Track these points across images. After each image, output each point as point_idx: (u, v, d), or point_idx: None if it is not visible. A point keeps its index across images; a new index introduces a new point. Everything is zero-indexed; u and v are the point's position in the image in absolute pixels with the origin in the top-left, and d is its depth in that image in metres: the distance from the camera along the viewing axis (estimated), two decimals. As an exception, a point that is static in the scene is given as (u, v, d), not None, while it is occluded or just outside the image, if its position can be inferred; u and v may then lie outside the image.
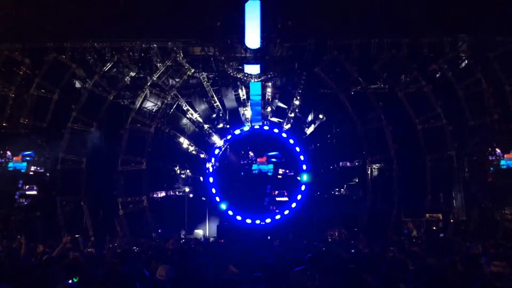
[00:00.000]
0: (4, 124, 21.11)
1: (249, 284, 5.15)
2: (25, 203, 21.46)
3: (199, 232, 22.33)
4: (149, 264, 7.39)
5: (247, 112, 23.43)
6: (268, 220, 22.10)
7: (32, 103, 21.14)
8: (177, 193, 22.63)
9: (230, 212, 22.09)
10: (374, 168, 21.34)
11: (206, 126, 23.24)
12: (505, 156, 20.99)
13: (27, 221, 20.47)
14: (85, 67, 22.03)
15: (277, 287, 5.31)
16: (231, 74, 22.11)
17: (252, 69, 21.23)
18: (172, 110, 23.08)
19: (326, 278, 5.43)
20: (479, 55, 20.92)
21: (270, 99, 23.27)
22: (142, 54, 22.03)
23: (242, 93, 22.92)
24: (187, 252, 10.13)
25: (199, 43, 22.08)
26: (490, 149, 21.13)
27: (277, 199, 22.87)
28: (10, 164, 21.82)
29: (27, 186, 21.63)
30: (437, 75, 22.07)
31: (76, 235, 17.94)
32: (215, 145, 23.27)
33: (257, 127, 23.13)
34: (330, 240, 19.86)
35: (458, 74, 21.03)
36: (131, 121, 21.34)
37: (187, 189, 22.99)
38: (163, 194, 22.39)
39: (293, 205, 22.25)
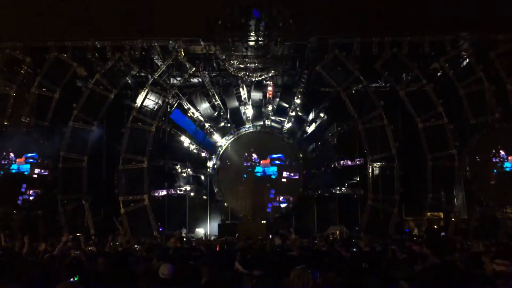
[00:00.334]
0: (5, 123, 21.10)
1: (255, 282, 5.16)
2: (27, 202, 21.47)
3: (200, 231, 22.34)
4: (151, 263, 7.39)
5: (248, 111, 23.42)
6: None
7: (33, 101, 21.14)
8: (178, 191, 22.61)
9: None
10: (375, 167, 21.32)
11: (207, 125, 23.23)
12: (509, 158, 20.94)
13: (29, 220, 20.48)
14: (86, 65, 22.03)
15: (278, 285, 5.31)
16: (232, 72, 22.13)
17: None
18: (173, 109, 23.08)
19: (327, 276, 5.42)
20: (481, 53, 20.89)
21: (271, 98, 23.25)
22: (143, 53, 22.01)
23: (243, 92, 22.88)
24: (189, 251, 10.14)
25: (200, 41, 22.05)
26: (494, 150, 21.08)
27: (282, 206, 22.67)
28: (14, 166, 21.75)
29: (31, 191, 21.59)
30: (438, 74, 22.04)
31: (78, 234, 17.94)
32: (216, 144, 23.27)
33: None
34: (331, 238, 19.83)
35: (459, 73, 21.01)
36: (132, 119, 21.32)
37: (188, 188, 22.96)
38: (164, 192, 22.37)
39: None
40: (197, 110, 23.13)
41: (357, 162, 22.13)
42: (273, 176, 22.99)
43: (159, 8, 21.23)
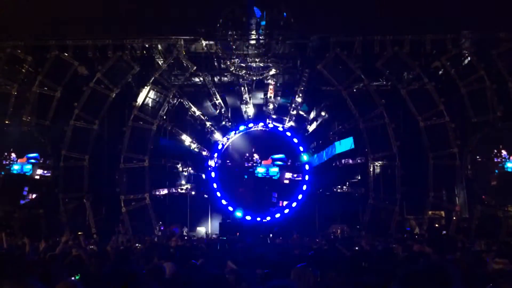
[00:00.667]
0: (6, 122, 21.12)
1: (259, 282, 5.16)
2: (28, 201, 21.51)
3: (201, 230, 22.35)
4: (151, 261, 7.39)
5: (250, 110, 23.41)
6: (269, 218, 22.13)
7: (35, 100, 21.15)
8: (179, 190, 22.62)
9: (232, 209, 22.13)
10: (377, 165, 21.30)
11: (208, 123, 23.23)
12: (511, 157, 20.90)
13: (30, 219, 20.51)
14: (87, 64, 22.04)
15: (279, 284, 5.31)
16: (234, 71, 22.10)
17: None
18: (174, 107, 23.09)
19: (328, 275, 5.43)
20: (482, 52, 20.84)
21: (272, 97, 23.22)
22: (144, 52, 22.01)
23: (244, 90, 22.87)
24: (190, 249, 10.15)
25: (201, 40, 22.04)
26: (495, 150, 21.04)
27: (285, 211, 22.63)
28: (16, 166, 21.73)
29: (33, 195, 21.59)
30: (440, 72, 22.00)
31: (79, 232, 17.97)
32: (217, 143, 23.27)
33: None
34: (332, 237, 19.85)
35: (461, 71, 20.97)
36: (134, 118, 21.32)
37: (189, 187, 22.97)
38: (165, 191, 22.38)
39: (295, 204, 22.27)
40: (198, 109, 23.12)
41: (358, 161, 22.11)
42: (274, 177, 22.95)
43: (160, 7, 21.22)
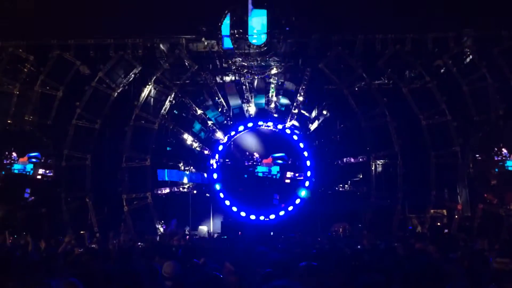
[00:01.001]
0: (9, 122, 21.17)
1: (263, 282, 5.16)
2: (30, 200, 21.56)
3: (203, 229, 22.38)
4: (153, 260, 7.40)
5: (251, 109, 23.41)
6: (272, 216, 22.13)
7: (37, 100, 21.19)
8: (181, 189, 22.65)
9: (235, 208, 22.15)
10: (379, 164, 21.29)
11: (210, 122, 23.24)
12: (511, 156, 20.86)
13: (33, 218, 20.56)
14: (89, 64, 22.07)
15: (281, 283, 5.31)
16: (235, 70, 22.08)
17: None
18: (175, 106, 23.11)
19: (331, 273, 5.43)
20: (484, 50, 20.79)
21: (274, 95, 23.21)
22: (146, 51, 22.02)
23: (245, 89, 22.86)
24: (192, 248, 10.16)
25: (202, 39, 22.05)
26: (496, 148, 21.00)
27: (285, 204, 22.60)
28: (16, 166, 21.76)
29: (35, 195, 21.61)
30: (442, 71, 21.96)
31: (81, 232, 18.03)
32: (219, 142, 23.27)
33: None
34: (334, 236, 19.86)
35: (463, 70, 20.93)
36: (135, 117, 21.35)
37: (191, 186, 23.00)
38: (167, 190, 22.41)
39: (297, 201, 22.26)
40: (199, 108, 23.13)
41: (360, 160, 22.10)
42: (274, 177, 22.94)
43: (161, 6, 21.20)
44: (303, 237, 17.70)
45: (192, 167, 23.50)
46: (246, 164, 23.18)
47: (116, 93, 21.46)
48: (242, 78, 22.65)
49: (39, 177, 21.80)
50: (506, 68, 20.37)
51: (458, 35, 21.22)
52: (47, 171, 21.91)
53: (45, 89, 21.23)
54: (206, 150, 23.27)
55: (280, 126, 22.94)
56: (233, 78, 23.53)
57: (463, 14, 20.28)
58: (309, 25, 21.46)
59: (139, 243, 15.27)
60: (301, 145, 22.86)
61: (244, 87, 22.79)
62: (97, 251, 10.10)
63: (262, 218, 22.01)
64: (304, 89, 22.48)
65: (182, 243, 13.69)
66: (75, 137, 21.04)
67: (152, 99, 21.89)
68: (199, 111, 23.04)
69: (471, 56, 21.00)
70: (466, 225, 20.26)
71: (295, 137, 22.91)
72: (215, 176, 22.66)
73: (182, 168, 23.25)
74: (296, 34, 21.45)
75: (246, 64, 21.87)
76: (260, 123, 23.10)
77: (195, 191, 23.11)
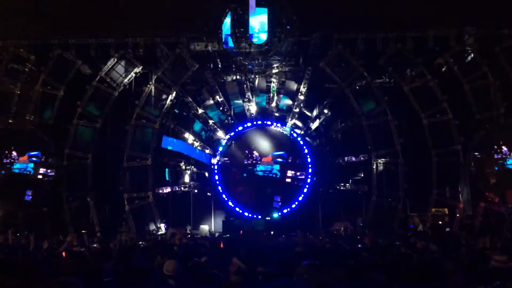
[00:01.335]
0: (10, 121, 21.18)
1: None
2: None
3: (204, 228, 22.38)
4: (155, 259, 7.41)
5: (252, 108, 23.39)
6: (274, 216, 22.16)
7: (38, 99, 21.21)
8: (182, 188, 22.65)
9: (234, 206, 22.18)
10: (380, 163, 21.27)
11: (211, 121, 23.23)
12: (511, 154, 20.83)
13: (35, 217, 20.58)
14: (90, 63, 22.08)
15: (282, 282, 5.31)
16: (236, 69, 22.06)
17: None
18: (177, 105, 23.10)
19: (332, 272, 5.41)
20: (486, 48, 20.76)
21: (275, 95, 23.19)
22: (147, 50, 22.01)
23: (246, 88, 22.83)
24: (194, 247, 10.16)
25: (203, 38, 22.03)
26: (496, 146, 20.97)
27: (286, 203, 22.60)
28: (16, 166, 21.76)
29: (36, 194, 21.59)
30: (443, 69, 21.92)
31: (82, 231, 18.04)
32: (220, 141, 23.27)
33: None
34: (336, 234, 19.84)
35: (464, 68, 20.89)
36: (136, 117, 21.35)
37: (192, 185, 22.99)
38: (168, 189, 22.41)
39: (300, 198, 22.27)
40: (200, 106, 23.13)
41: (361, 158, 22.07)
42: (273, 175, 22.93)
43: (161, 4, 21.20)
44: (304, 236, 17.69)
45: (193, 166, 23.49)
46: (245, 162, 23.18)
47: (117, 93, 21.46)
48: (243, 77, 22.63)
49: (40, 176, 21.81)
50: (507, 66, 20.33)
51: (459, 33, 21.18)
52: (48, 170, 21.92)
53: (46, 88, 21.24)
54: (207, 149, 23.27)
55: (280, 125, 22.97)
56: (234, 77, 23.50)
57: (464, 13, 20.23)
58: (310, 24, 21.42)
59: (141, 242, 15.26)
60: (302, 143, 22.85)
61: (245, 86, 22.76)
62: (98, 250, 10.11)
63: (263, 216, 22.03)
64: (305, 88, 22.46)
65: (183, 242, 13.68)
66: (76, 137, 21.06)
67: (153, 98, 21.87)
68: (200, 110, 23.03)
69: (472, 55, 20.96)
70: (468, 224, 20.22)
71: (295, 136, 22.91)
72: (216, 175, 22.70)
73: (184, 167, 23.23)
74: (297, 33, 21.41)
75: (247, 63, 21.84)
76: (261, 122, 23.13)
77: (196, 191, 23.10)
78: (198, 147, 23.13)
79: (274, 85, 22.82)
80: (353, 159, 22.25)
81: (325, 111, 23.24)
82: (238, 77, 23.16)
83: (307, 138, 23.54)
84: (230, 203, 22.33)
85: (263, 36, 20.73)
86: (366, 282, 4.62)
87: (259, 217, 21.99)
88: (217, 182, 22.70)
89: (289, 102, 23.45)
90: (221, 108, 23.34)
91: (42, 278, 4.90)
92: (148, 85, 21.68)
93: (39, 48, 21.74)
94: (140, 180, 21.28)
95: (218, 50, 22.00)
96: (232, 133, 23.12)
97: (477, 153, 21.06)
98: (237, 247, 9.94)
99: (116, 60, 21.43)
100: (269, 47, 21.15)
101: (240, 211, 22.20)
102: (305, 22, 21.04)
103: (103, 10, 20.78)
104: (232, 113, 23.48)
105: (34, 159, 21.80)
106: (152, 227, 21.04)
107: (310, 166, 22.66)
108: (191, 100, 22.82)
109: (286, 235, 18.29)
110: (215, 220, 23.25)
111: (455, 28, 21.21)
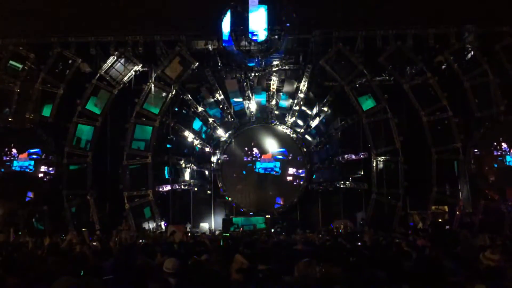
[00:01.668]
0: (9, 119, 21.16)
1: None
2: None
3: (204, 226, 22.40)
4: (155, 257, 7.41)
5: (252, 106, 23.39)
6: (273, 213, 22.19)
7: (38, 97, 21.18)
8: (182, 187, 22.65)
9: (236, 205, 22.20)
10: (380, 161, 21.25)
11: (210, 119, 23.21)
12: (511, 151, 20.82)
13: (35, 216, 20.58)
14: (90, 61, 22.05)
15: (283, 279, 5.32)
16: (236, 67, 22.03)
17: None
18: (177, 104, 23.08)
19: (331, 270, 5.42)
20: (485, 46, 20.73)
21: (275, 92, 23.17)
22: (146, 48, 21.98)
23: (246, 86, 22.81)
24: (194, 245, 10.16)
25: (203, 36, 21.99)
26: (495, 143, 20.96)
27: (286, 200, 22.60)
28: (16, 163, 21.73)
29: (36, 192, 21.59)
30: (443, 67, 21.90)
31: (83, 229, 18.03)
32: (220, 139, 23.28)
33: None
34: (335, 232, 19.85)
35: (464, 66, 20.88)
36: (136, 115, 21.32)
37: (192, 183, 22.99)
38: (168, 187, 22.41)
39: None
40: (200, 105, 23.11)
41: (361, 156, 22.06)
42: (273, 173, 22.94)
43: (161, 3, 21.23)
44: (305, 234, 17.71)
45: (193, 165, 23.50)
46: (245, 159, 23.18)
47: (116, 91, 21.43)
48: (242, 75, 22.60)
49: (40, 174, 21.79)
50: (507, 64, 20.32)
51: (459, 31, 21.15)
52: (49, 168, 21.90)
53: (46, 86, 21.21)
54: (207, 147, 23.27)
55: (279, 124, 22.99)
56: (234, 75, 23.48)
57: (464, 10, 20.22)
58: (310, 22, 21.40)
59: (141, 240, 15.26)
60: (302, 141, 22.87)
61: (245, 84, 22.75)
62: (99, 249, 10.11)
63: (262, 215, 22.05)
64: (305, 86, 22.44)
65: (184, 240, 13.68)
66: (76, 136, 21.06)
67: (152, 96, 21.82)
68: (200, 108, 23.02)
69: (472, 52, 20.94)
70: (468, 221, 20.23)
71: (296, 134, 22.93)
72: (216, 173, 22.71)
73: (184, 165, 23.22)
74: (297, 31, 21.38)
75: (246, 61, 21.81)
76: (261, 119, 23.13)
77: (196, 189, 23.11)
78: (198, 145, 23.14)
79: (274, 83, 22.80)
80: (353, 157, 22.25)
81: (325, 108, 23.24)
82: (237, 75, 23.13)
83: (307, 136, 23.55)
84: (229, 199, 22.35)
85: (263, 34, 20.72)
86: (366, 280, 4.62)
87: (260, 215, 22.02)
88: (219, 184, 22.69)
89: (289, 100, 23.44)
90: (220, 106, 23.33)
91: (42, 277, 4.90)
92: (148, 83, 21.63)
93: (38, 47, 21.70)
94: (140, 178, 21.25)
95: (218, 48, 21.97)
96: (234, 131, 23.12)
97: (477, 151, 21.06)
98: (238, 245, 9.95)
99: (115, 58, 21.38)
100: (268, 45, 21.14)
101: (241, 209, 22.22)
102: (305, 20, 21.02)
103: (102, 9, 20.77)
104: (232, 111, 23.47)
105: (34, 156, 21.78)
106: (152, 225, 21.03)
107: (310, 164, 22.67)
108: (191, 98, 22.80)
109: (286, 233, 18.34)
110: (215, 218, 23.27)
111: (455, 26, 21.19)
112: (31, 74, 21.49)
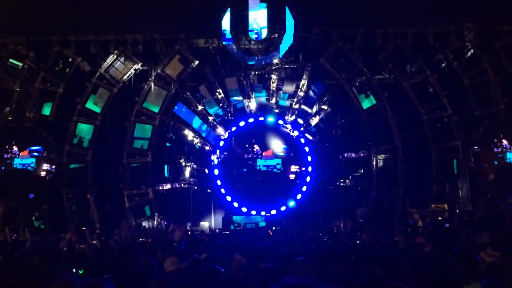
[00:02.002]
0: (9, 118, 21.15)
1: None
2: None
3: (204, 224, 22.41)
4: (155, 256, 7.42)
5: (252, 104, 23.38)
6: (273, 212, 22.18)
7: (37, 96, 21.18)
8: (182, 185, 22.66)
9: (236, 204, 22.19)
10: (380, 159, 21.27)
11: (210, 118, 23.21)
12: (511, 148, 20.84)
13: (34, 214, 20.61)
14: (90, 60, 22.04)
15: (278, 277, 5.32)
16: (236, 65, 22.01)
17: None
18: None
19: (327, 268, 5.42)
20: (486, 44, 20.72)
21: (275, 91, 23.16)
22: (146, 47, 21.97)
23: (246, 85, 22.82)
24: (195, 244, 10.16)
25: (203, 34, 21.97)
26: (496, 140, 20.97)
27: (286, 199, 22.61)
28: (17, 161, 21.70)
29: (36, 191, 21.58)
30: (443, 65, 21.89)
31: (83, 228, 18.05)
32: (220, 137, 23.26)
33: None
34: (335, 231, 19.86)
35: (464, 64, 20.88)
36: (136, 113, 21.33)
37: (192, 181, 23.00)
38: (168, 186, 22.43)
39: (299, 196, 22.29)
40: (200, 103, 23.11)
41: (361, 154, 22.08)
42: (276, 170, 22.95)
43: (161, 1, 21.19)
44: (304, 232, 17.73)
45: (193, 163, 23.51)
46: (246, 157, 23.19)
47: (116, 89, 21.43)
48: (242, 74, 22.59)
49: (43, 173, 21.81)
50: (507, 62, 20.31)
51: (459, 29, 21.14)
52: (50, 166, 21.91)
53: (45, 85, 21.21)
54: (207, 145, 23.27)
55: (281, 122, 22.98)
56: (234, 73, 23.45)
57: (464, 9, 20.19)
58: (309, 20, 21.37)
59: (141, 239, 15.28)
60: (302, 140, 22.87)
61: (244, 82, 22.74)
62: (98, 247, 10.13)
63: (263, 213, 22.05)
64: (305, 84, 22.44)
65: (183, 238, 13.70)
66: (75, 134, 21.06)
67: (152, 95, 21.83)
68: (200, 107, 23.01)
69: (472, 50, 20.93)
70: (468, 220, 20.25)
71: (296, 132, 22.92)
72: (216, 172, 22.70)
73: (183, 163, 23.24)
74: (297, 29, 21.36)
75: (246, 60, 21.79)
76: (261, 118, 23.12)
77: (196, 187, 23.12)
78: (198, 144, 23.14)
79: (273, 81, 22.79)
80: (353, 155, 22.27)
81: (325, 107, 23.24)
82: (237, 73, 23.12)
83: (307, 135, 23.55)
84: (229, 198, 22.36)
85: (263, 33, 20.70)
86: (365, 278, 4.63)
87: (260, 213, 22.04)
88: (218, 182, 22.70)
89: (288, 98, 23.42)
90: (220, 105, 23.32)
91: (42, 276, 4.91)
92: (148, 82, 21.63)
93: (38, 45, 21.69)
94: (140, 177, 21.28)
95: (218, 47, 21.96)
96: (233, 129, 23.12)
97: (477, 149, 21.07)
98: (238, 243, 9.97)
99: (115, 56, 21.37)
100: (268, 44, 21.12)
101: (241, 208, 22.23)
102: (305, 18, 21.00)
103: (102, 7, 20.74)
104: (231, 110, 23.48)
105: (35, 154, 21.78)
106: (152, 224, 21.05)
107: (309, 162, 22.68)
108: (191, 96, 22.80)
109: (287, 231, 18.35)
110: (215, 216, 23.28)
111: (455, 24, 21.17)
112: (31, 72, 21.46)
